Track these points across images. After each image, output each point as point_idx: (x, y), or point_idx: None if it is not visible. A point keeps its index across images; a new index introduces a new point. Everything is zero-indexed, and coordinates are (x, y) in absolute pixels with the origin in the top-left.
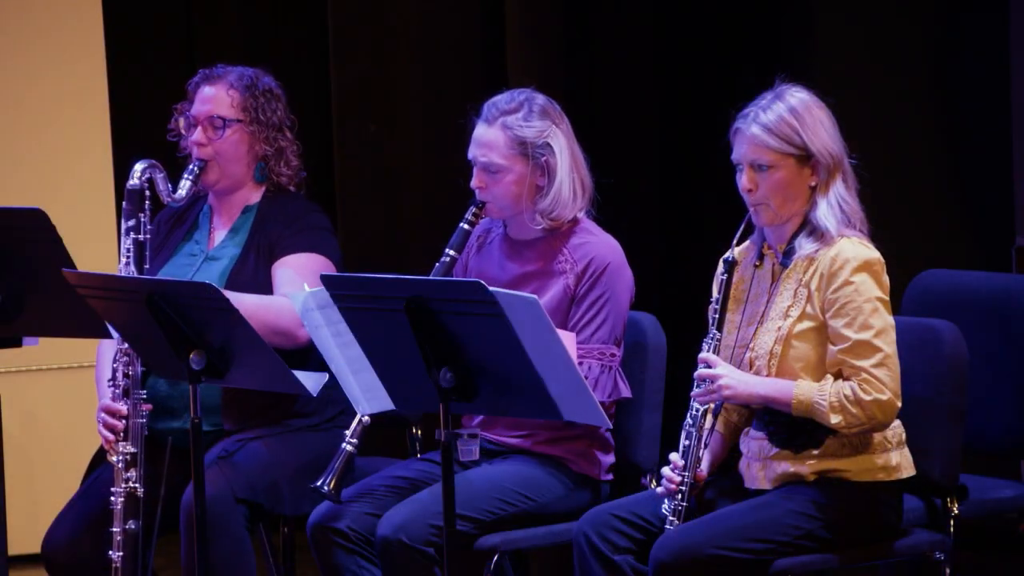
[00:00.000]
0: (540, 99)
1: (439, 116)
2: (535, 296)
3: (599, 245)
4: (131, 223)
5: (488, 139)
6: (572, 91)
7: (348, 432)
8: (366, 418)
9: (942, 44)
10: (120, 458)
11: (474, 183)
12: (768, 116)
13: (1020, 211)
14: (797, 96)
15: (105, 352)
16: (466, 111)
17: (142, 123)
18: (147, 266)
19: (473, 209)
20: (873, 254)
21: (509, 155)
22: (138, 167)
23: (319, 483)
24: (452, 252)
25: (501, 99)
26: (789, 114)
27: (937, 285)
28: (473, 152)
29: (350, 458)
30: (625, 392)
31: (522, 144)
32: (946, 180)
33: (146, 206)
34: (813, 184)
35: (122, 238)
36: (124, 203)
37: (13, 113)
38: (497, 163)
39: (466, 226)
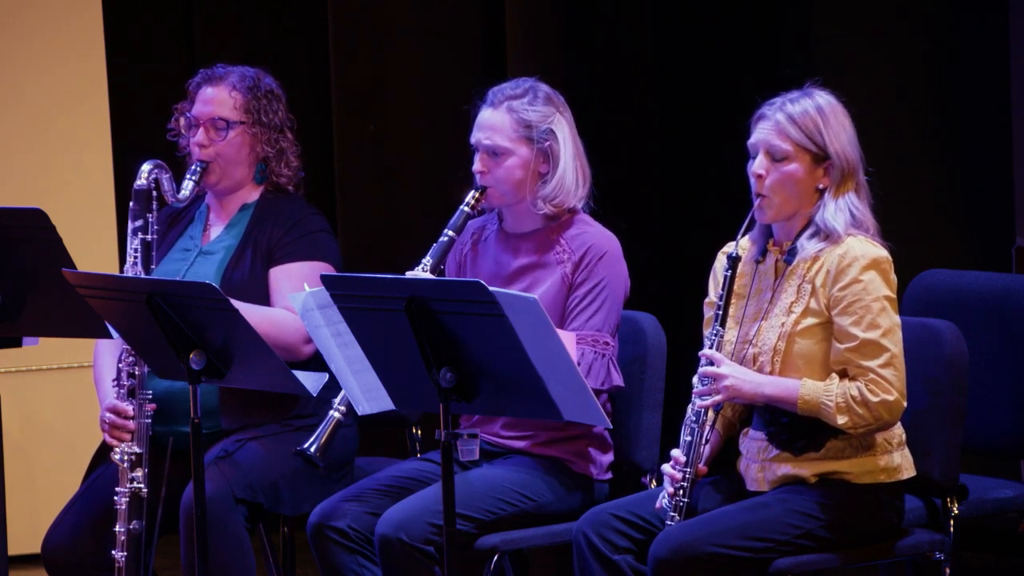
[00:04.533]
0: (544, 87)
1: (439, 116)
2: (535, 296)
3: (596, 235)
4: (138, 223)
5: (493, 122)
6: (572, 91)
7: (336, 400)
8: None
9: (942, 44)
10: (125, 458)
11: (476, 167)
12: (795, 108)
13: (1020, 211)
14: (825, 98)
15: (103, 352)
16: (470, 97)
17: (142, 123)
18: (155, 266)
19: (474, 193)
20: (881, 252)
21: (514, 138)
22: (145, 167)
23: (305, 445)
24: (451, 232)
25: (506, 85)
26: (815, 111)
27: (937, 285)
28: (476, 136)
29: (337, 424)
30: (618, 381)
31: (527, 127)
32: (946, 180)
33: (153, 206)
34: (822, 186)
35: (129, 238)
36: (131, 203)
37: (13, 113)
38: (502, 145)
39: (467, 208)
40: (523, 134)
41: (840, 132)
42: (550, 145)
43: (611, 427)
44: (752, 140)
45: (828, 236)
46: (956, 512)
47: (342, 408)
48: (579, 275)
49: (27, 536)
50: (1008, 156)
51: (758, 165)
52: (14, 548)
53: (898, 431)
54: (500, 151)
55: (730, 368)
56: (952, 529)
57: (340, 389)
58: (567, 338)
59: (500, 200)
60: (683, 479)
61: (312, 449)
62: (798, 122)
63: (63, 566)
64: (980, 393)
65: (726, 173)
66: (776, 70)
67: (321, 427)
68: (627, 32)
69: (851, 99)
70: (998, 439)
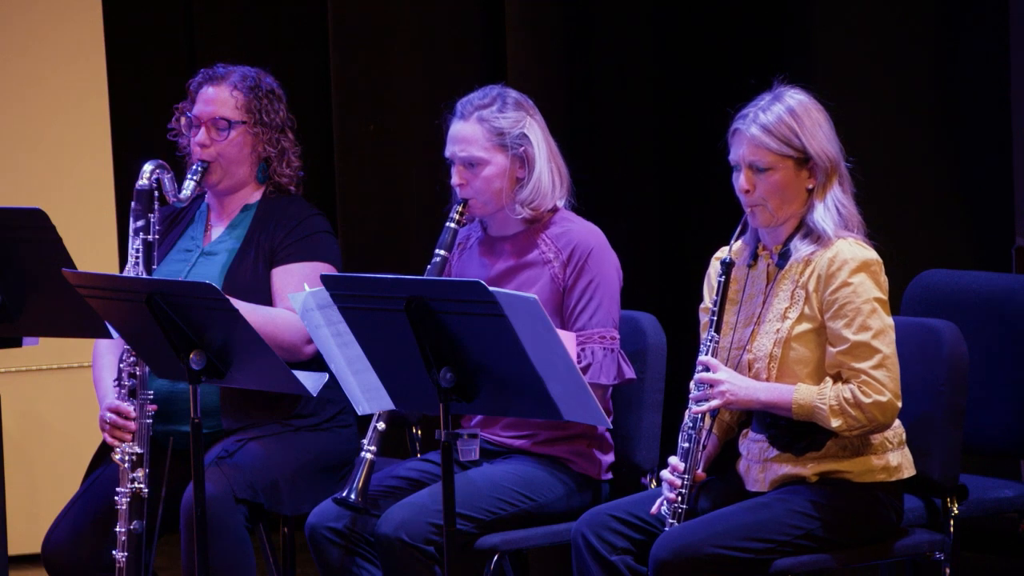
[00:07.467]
0: (513, 93)
1: (439, 116)
2: (535, 296)
3: (580, 232)
4: (140, 223)
5: (466, 134)
6: (572, 91)
7: (365, 440)
8: (381, 424)
9: (942, 44)
10: (126, 458)
11: (455, 180)
12: (767, 117)
13: (1020, 211)
14: (796, 98)
15: (103, 353)
16: (440, 112)
17: (142, 123)
18: (155, 266)
19: (457, 207)
20: (871, 254)
21: (489, 147)
22: (147, 168)
23: (344, 494)
24: (442, 252)
25: (474, 96)
26: (788, 115)
27: (937, 285)
28: (451, 149)
29: (371, 466)
30: (629, 373)
31: (500, 135)
32: (946, 180)
33: (155, 207)
34: (810, 187)
35: (131, 238)
36: (133, 203)
37: (13, 113)
38: (477, 156)
39: (453, 225)
40: (497, 142)
41: (816, 131)
42: (525, 150)
43: (611, 427)
44: (732, 157)
45: (819, 238)
46: (956, 512)
47: (372, 448)
48: (570, 276)
49: (27, 536)
50: (1008, 156)
51: (744, 181)
52: (14, 548)
53: (898, 431)
54: (476, 162)
55: (726, 374)
56: (952, 529)
57: (340, 389)
58: (567, 338)
59: (482, 210)
60: (682, 486)
61: (352, 497)
62: (773, 131)
63: (63, 566)
64: (980, 393)
65: (726, 173)
66: (777, 70)
67: (355, 472)
68: (627, 32)
69: (851, 99)
70: (998, 439)
